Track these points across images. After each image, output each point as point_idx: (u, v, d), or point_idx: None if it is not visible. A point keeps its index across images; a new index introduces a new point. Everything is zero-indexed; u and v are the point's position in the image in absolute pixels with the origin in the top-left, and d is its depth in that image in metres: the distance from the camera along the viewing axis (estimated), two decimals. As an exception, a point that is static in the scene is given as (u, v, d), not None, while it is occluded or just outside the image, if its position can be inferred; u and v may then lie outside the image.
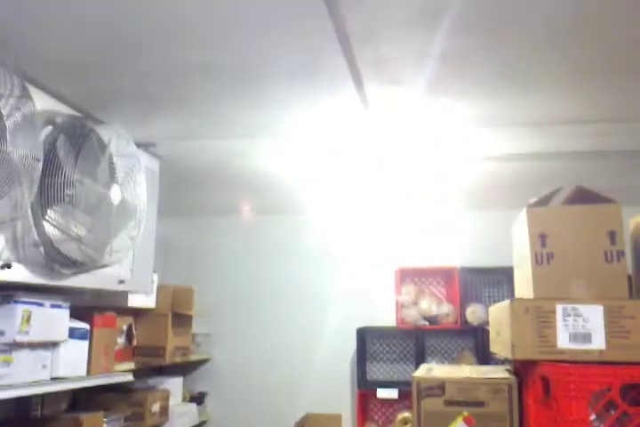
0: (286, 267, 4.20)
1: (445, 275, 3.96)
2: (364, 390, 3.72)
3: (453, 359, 3.74)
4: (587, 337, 1.52)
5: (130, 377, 2.69)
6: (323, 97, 2.21)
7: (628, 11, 1.60)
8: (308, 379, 4.02)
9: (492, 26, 1.69)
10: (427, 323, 3.74)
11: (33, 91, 1.81)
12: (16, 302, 2.00)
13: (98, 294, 2.55)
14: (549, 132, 2.57)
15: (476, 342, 3.69)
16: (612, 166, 3.01)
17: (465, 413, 1.63)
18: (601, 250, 1.67)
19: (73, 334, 2.30)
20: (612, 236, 1.68)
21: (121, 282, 2.41)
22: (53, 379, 2.21)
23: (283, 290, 4.19)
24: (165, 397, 3.29)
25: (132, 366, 2.99)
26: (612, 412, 1.40)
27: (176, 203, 3.85)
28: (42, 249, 1.92)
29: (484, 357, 3.46)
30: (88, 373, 2.41)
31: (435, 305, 3.77)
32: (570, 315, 1.55)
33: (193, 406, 3.77)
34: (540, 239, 1.72)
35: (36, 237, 1.90)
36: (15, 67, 1.73)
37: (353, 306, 4.04)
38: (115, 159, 2.18)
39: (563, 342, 1.53)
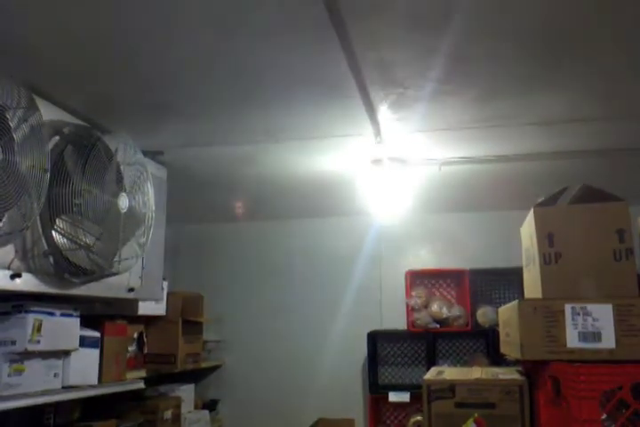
0: (296, 272, 4.21)
1: (455, 277, 3.95)
2: (376, 395, 3.71)
3: (465, 362, 3.73)
4: (596, 336, 1.51)
5: (141, 385, 2.70)
6: (328, 102, 2.21)
7: (628, 10, 1.60)
8: (319, 384, 4.01)
9: (494, 26, 1.69)
10: (437, 326, 3.72)
11: (39, 101, 1.83)
12: (27, 311, 2.01)
13: (108, 302, 2.56)
14: (557, 132, 2.57)
15: (488, 344, 3.67)
16: (619, 164, 2.99)
17: (476, 415, 1.62)
18: (609, 248, 1.66)
19: (84, 342, 2.32)
20: (621, 234, 1.66)
21: (130, 290, 2.42)
22: (65, 388, 2.22)
23: (293, 295, 4.19)
24: (177, 404, 3.29)
25: (143, 373, 2.99)
26: (624, 411, 1.39)
27: (185, 210, 3.87)
28: (51, 258, 1.94)
29: (497, 358, 3.44)
30: (100, 381, 2.42)
31: (445, 308, 3.76)
32: (579, 314, 1.54)
33: (205, 412, 3.77)
34: (548, 239, 1.71)
35: (46, 246, 1.92)
36: (22, 78, 1.75)
37: (363, 310, 4.04)
38: (122, 168, 2.20)
39: (572, 341, 1.52)
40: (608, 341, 1.50)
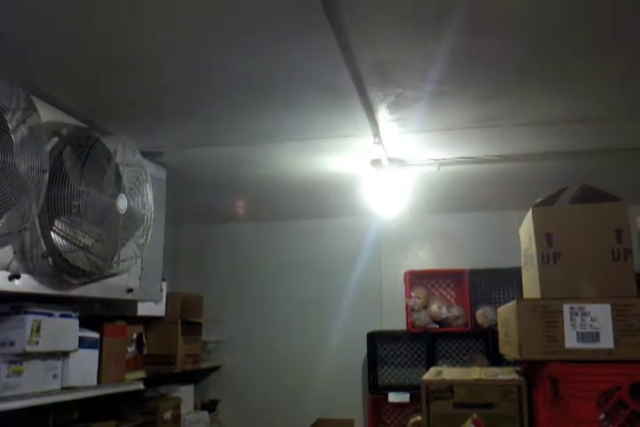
0: (295, 273, 4.20)
1: (455, 277, 3.95)
2: (376, 395, 3.71)
3: (465, 362, 3.72)
4: (595, 336, 1.51)
5: (141, 386, 2.70)
6: (327, 102, 2.21)
7: (628, 10, 1.60)
8: (319, 384, 4.01)
9: (493, 27, 1.69)
10: (437, 326, 3.72)
11: (38, 103, 1.83)
12: (26, 312, 2.01)
13: (107, 303, 2.56)
14: (556, 132, 2.56)
15: (487, 344, 3.67)
16: (618, 164, 2.99)
17: (474, 415, 1.62)
18: (608, 248, 1.65)
19: (83, 343, 2.32)
20: (619, 234, 1.66)
21: (129, 291, 2.43)
22: (64, 388, 2.22)
23: (292, 296, 4.18)
24: (177, 405, 3.29)
25: (142, 374, 3.00)
26: (622, 411, 1.39)
27: (185, 210, 3.87)
28: (50, 259, 1.94)
29: (496, 359, 3.44)
30: (99, 382, 2.43)
31: (445, 308, 3.76)
32: (577, 314, 1.54)
33: (205, 413, 3.77)
34: (547, 239, 1.71)
35: (44, 247, 1.92)
36: (20, 79, 1.75)
37: (363, 310, 4.03)
38: (121, 169, 2.20)
39: (570, 341, 1.52)
40: (606, 341, 1.50)
